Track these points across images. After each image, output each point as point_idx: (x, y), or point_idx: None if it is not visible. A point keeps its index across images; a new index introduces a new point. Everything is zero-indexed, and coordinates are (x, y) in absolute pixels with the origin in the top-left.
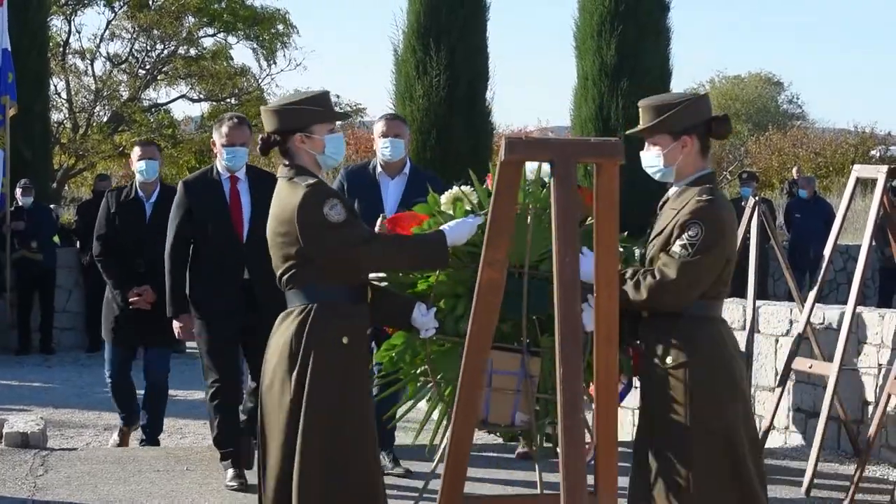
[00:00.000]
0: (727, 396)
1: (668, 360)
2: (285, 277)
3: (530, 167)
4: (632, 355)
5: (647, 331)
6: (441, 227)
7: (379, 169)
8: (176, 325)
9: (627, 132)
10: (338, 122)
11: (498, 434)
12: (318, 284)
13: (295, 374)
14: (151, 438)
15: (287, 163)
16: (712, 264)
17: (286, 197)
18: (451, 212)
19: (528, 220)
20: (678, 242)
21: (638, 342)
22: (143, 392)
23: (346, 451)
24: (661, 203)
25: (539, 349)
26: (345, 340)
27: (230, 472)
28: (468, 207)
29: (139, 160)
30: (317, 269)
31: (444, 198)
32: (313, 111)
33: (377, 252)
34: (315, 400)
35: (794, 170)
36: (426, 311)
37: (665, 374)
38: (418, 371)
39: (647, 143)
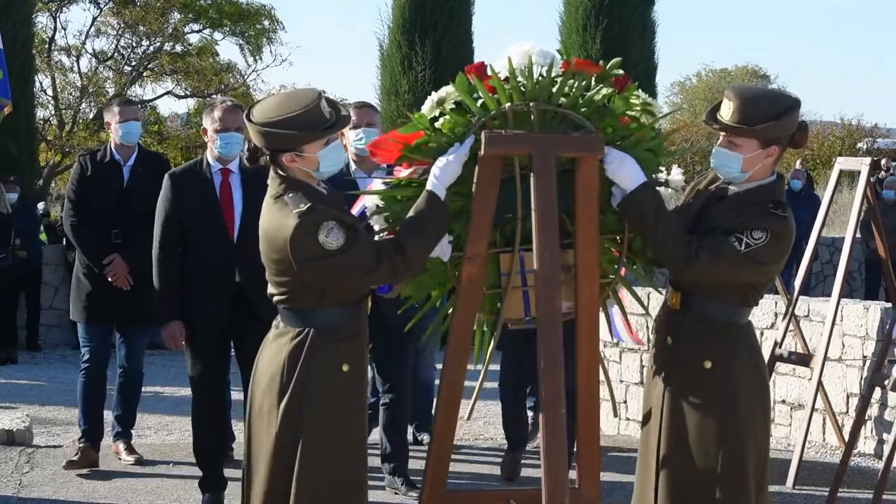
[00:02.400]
0: (763, 401)
1: (707, 363)
2: (278, 298)
3: (537, 55)
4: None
5: (677, 328)
6: (428, 187)
7: (353, 166)
8: (165, 333)
9: (716, 126)
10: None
11: None
12: (317, 308)
13: (283, 406)
14: (126, 431)
15: (281, 173)
16: (756, 274)
17: (276, 220)
18: (436, 113)
19: (532, 118)
20: (736, 234)
21: (665, 337)
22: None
23: (342, 490)
24: (714, 192)
25: (570, 240)
26: (345, 368)
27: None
28: (451, 106)
29: (124, 121)
30: (317, 293)
31: (427, 105)
32: (300, 135)
33: (386, 272)
34: (313, 439)
35: (798, 162)
36: None
37: (701, 377)
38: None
39: (725, 139)
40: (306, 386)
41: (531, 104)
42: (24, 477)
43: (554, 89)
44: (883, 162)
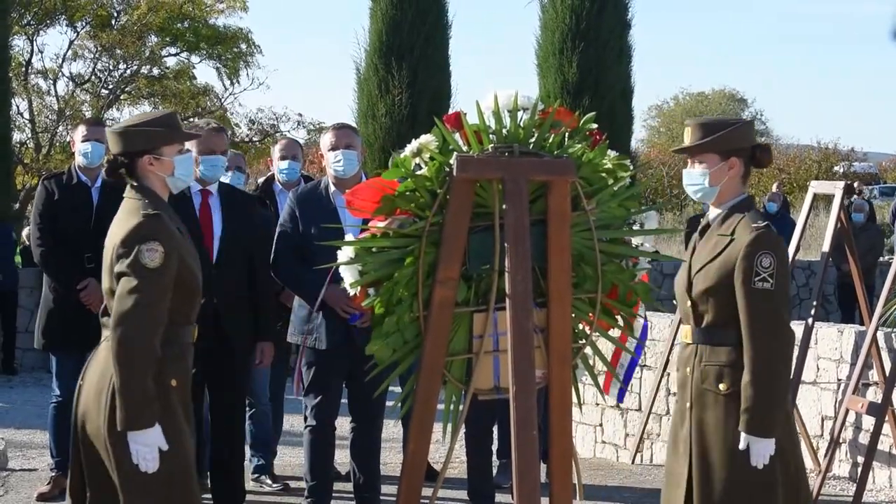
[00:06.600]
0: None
1: (721, 386)
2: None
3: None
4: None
5: (693, 360)
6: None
7: (332, 188)
8: None
9: (674, 149)
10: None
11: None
12: None
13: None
14: None
15: (135, 184)
16: (788, 286)
17: (125, 223)
18: (414, 163)
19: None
20: (758, 278)
21: (687, 368)
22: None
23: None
24: (700, 227)
25: (544, 299)
26: (173, 384)
27: None
28: (428, 157)
29: (84, 141)
30: None
31: (408, 151)
32: (161, 132)
33: (133, 326)
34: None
35: (775, 185)
36: None
37: (721, 400)
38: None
39: (691, 162)
40: None
41: (514, 145)
42: None
43: (532, 140)
44: (855, 185)
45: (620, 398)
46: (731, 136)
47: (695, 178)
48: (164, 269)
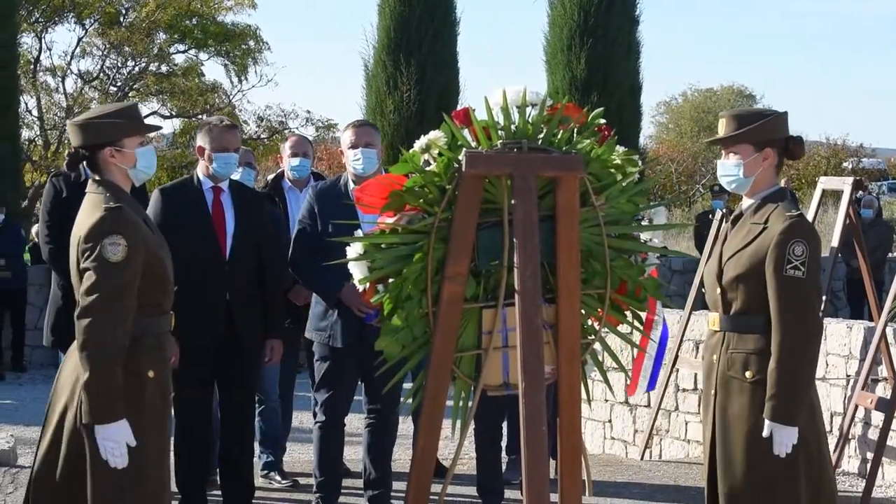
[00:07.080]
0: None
1: (748, 374)
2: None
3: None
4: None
5: (720, 347)
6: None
7: (351, 185)
8: None
9: (708, 140)
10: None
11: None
12: None
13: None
14: None
15: (97, 178)
16: (819, 275)
17: (88, 216)
18: (426, 157)
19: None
20: (789, 266)
21: (714, 356)
22: None
23: (141, 486)
24: (733, 216)
25: (552, 295)
26: (150, 374)
27: None
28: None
29: None
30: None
31: (416, 147)
32: (123, 124)
33: (98, 320)
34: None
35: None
36: None
37: (747, 387)
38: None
39: (725, 153)
40: None
41: (523, 141)
42: (7, 497)
43: (540, 136)
44: (863, 181)
45: (651, 386)
46: (765, 127)
47: (729, 168)
48: (127, 262)
